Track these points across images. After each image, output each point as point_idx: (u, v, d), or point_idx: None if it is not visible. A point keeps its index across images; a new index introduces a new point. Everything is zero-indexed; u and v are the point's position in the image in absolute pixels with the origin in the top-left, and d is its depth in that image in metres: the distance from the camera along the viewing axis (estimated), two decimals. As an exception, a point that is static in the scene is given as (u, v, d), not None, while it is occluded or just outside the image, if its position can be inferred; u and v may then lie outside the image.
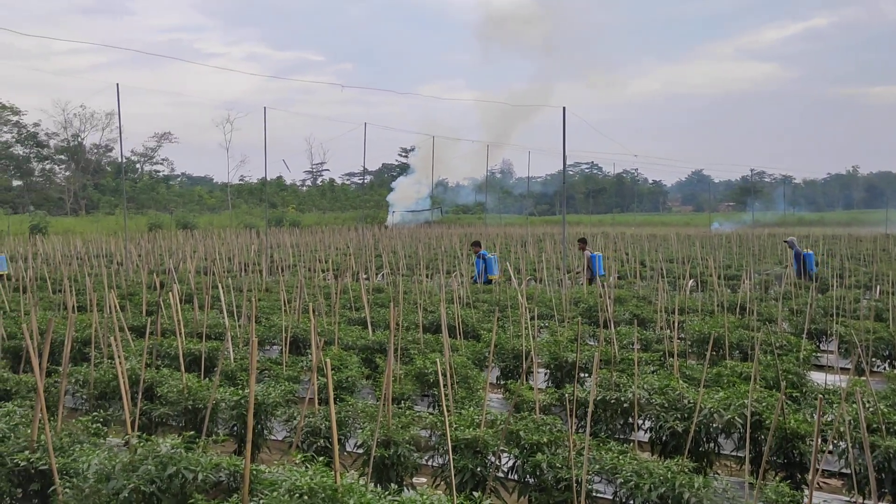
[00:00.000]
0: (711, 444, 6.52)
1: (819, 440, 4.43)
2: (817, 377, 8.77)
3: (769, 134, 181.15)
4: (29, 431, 5.24)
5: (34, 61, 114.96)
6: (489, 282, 16.73)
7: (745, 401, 6.19)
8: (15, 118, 74.17)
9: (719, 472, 6.95)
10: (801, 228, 54.66)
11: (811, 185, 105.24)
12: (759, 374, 7.65)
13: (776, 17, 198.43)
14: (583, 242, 18.83)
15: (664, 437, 6.48)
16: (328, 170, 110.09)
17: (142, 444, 4.64)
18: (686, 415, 6.42)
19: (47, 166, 78.54)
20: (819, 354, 11.36)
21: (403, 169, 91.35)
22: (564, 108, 19.27)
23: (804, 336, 10.29)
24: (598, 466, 5.20)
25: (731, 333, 10.08)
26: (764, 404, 6.46)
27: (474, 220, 70.23)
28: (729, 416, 6.21)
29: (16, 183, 76.08)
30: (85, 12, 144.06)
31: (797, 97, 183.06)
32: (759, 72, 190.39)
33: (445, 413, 4.85)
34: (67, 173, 78.03)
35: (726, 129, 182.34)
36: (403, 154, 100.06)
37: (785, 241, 19.09)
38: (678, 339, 9.82)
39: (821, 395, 6.04)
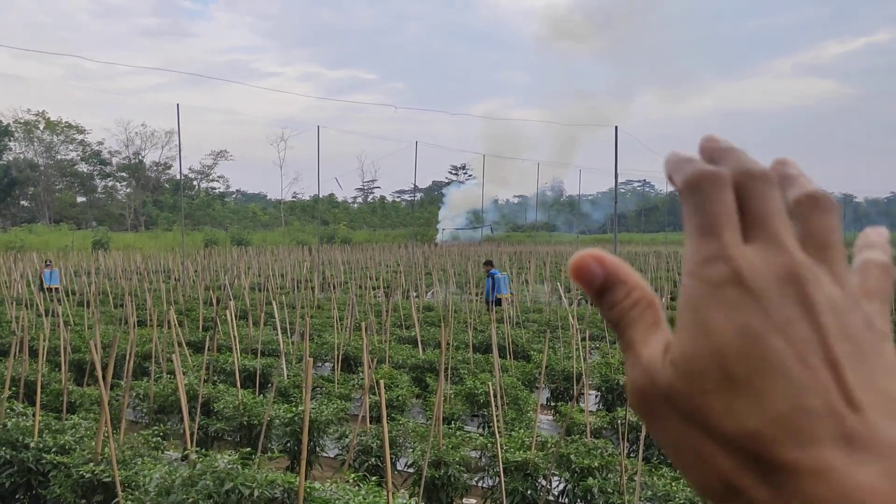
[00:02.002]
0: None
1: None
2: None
3: (829, 152, 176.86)
4: (93, 444, 5.43)
5: (100, 82, 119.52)
6: (498, 301, 16.68)
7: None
8: (80, 137, 77.16)
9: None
10: (863, 249, 53.06)
11: (874, 205, 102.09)
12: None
13: (836, 32, 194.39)
14: None
15: (718, 464, 6.36)
16: (379, 187, 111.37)
17: (200, 459, 4.77)
18: (741, 442, 6.29)
19: (109, 183, 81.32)
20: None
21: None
22: (617, 127, 19.19)
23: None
24: (650, 493, 5.15)
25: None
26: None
27: (524, 239, 70.02)
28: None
29: (80, 199, 78.92)
30: (149, 35, 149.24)
31: (858, 114, 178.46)
32: (818, 88, 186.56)
33: (497, 434, 4.87)
34: (128, 190, 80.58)
35: (783, 147, 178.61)
36: (454, 171, 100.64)
37: None
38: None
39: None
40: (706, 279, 0.36)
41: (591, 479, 5.40)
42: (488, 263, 18.68)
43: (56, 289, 18.41)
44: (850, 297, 0.37)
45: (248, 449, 5.57)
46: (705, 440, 0.34)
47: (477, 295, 20.21)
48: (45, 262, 22.35)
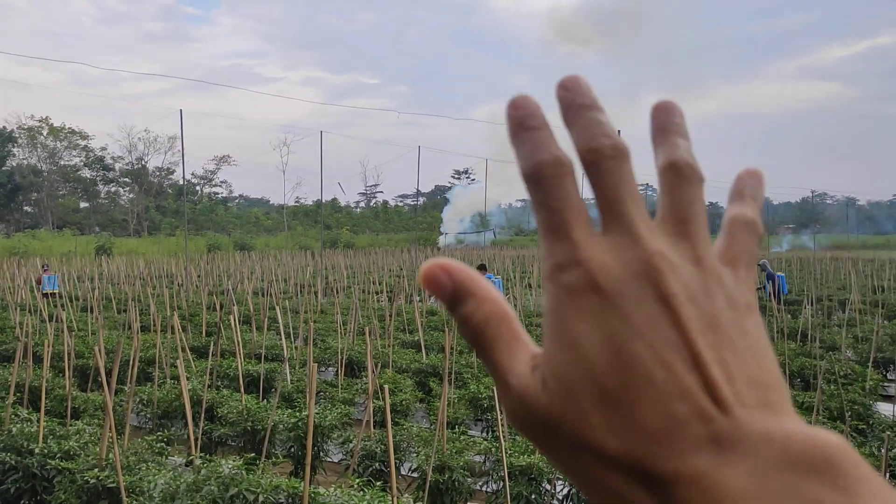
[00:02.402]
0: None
1: (887, 476, 4.30)
2: (885, 409, 8.48)
3: (832, 155, 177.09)
4: (98, 449, 5.43)
5: (103, 88, 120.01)
6: None
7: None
8: (83, 143, 77.38)
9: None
10: (866, 252, 52.97)
11: (876, 207, 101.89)
12: (822, 405, 7.45)
13: (839, 35, 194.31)
14: None
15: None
16: (381, 192, 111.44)
17: (205, 464, 4.77)
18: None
19: (112, 189, 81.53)
20: (887, 384, 10.98)
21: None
22: (619, 132, 19.20)
23: (870, 365, 9.96)
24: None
25: (791, 361, 9.82)
26: (828, 436, 6.26)
27: (527, 243, 70.02)
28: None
29: (83, 205, 79.10)
30: (152, 40, 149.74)
31: (862, 117, 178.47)
32: (821, 91, 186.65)
33: (501, 439, 4.86)
34: (131, 195, 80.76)
35: (786, 150, 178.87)
36: (457, 176, 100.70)
37: (758, 264, 18.59)
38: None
39: (889, 429, 5.85)
40: (563, 286, 0.35)
41: (595, 483, 5.39)
42: (481, 268, 18.56)
43: (55, 294, 18.35)
44: (710, 274, 0.36)
45: (253, 454, 5.58)
46: (593, 460, 0.33)
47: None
48: (43, 266, 21.79)
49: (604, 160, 0.37)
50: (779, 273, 18.12)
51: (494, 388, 5.61)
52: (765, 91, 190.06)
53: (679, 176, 0.38)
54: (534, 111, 0.38)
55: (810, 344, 11.47)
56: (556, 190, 0.36)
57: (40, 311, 14.24)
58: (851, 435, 6.34)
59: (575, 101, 0.38)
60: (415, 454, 6.23)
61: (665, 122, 0.40)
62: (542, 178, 0.36)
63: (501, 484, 5.37)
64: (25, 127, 72.86)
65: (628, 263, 0.35)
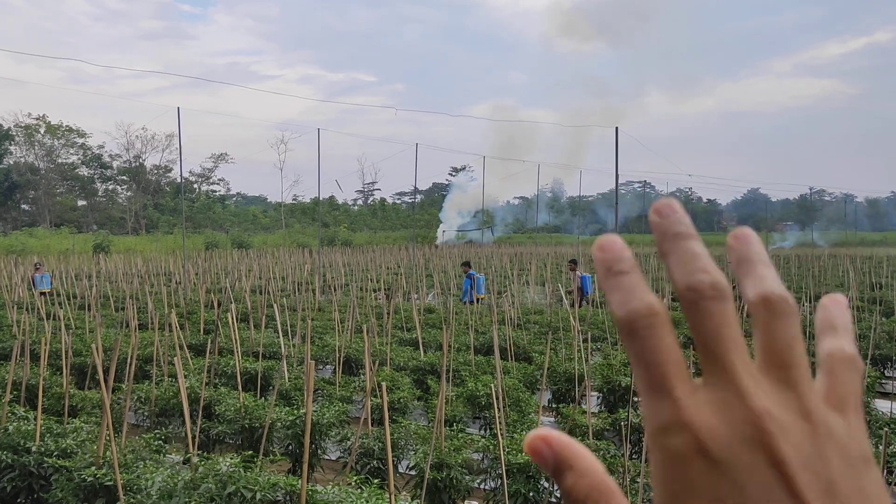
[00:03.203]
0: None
1: (885, 473, 4.30)
2: (883, 405, 8.49)
3: (830, 151, 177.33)
4: (95, 447, 5.43)
5: (101, 86, 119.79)
6: (476, 301, 16.96)
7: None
8: (81, 140, 77.23)
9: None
10: (864, 249, 53.04)
11: (874, 204, 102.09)
12: (821, 402, 7.46)
13: (836, 32, 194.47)
14: (573, 264, 18.75)
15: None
16: (379, 189, 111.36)
17: (202, 462, 4.77)
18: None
19: (110, 187, 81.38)
20: (884, 381, 11.00)
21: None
22: (617, 129, 19.21)
23: (868, 362, 9.96)
24: (653, 494, 5.14)
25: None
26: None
27: (524, 240, 70.03)
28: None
29: (80, 203, 78.97)
30: (149, 38, 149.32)
31: (859, 113, 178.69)
32: (819, 88, 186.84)
33: (499, 436, 4.86)
34: (129, 193, 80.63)
35: (785, 147, 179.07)
36: (454, 173, 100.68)
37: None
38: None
39: (886, 425, 5.85)
40: (670, 451, 0.35)
41: (593, 480, 5.39)
42: (466, 265, 18.86)
43: (48, 293, 18.27)
44: (821, 430, 0.35)
45: (250, 452, 5.57)
46: None
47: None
48: (36, 265, 21.61)
49: (703, 300, 0.36)
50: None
51: (492, 386, 5.60)
52: (763, 88, 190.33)
53: (773, 313, 0.37)
54: (621, 254, 0.37)
55: (807, 341, 11.48)
56: (652, 341, 0.35)
57: (37, 309, 14.22)
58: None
59: (670, 229, 0.37)
60: (413, 452, 6.23)
61: (746, 252, 0.39)
62: (637, 330, 0.36)
63: (499, 481, 5.37)
64: (22, 125, 72.71)
65: (736, 425, 0.34)
